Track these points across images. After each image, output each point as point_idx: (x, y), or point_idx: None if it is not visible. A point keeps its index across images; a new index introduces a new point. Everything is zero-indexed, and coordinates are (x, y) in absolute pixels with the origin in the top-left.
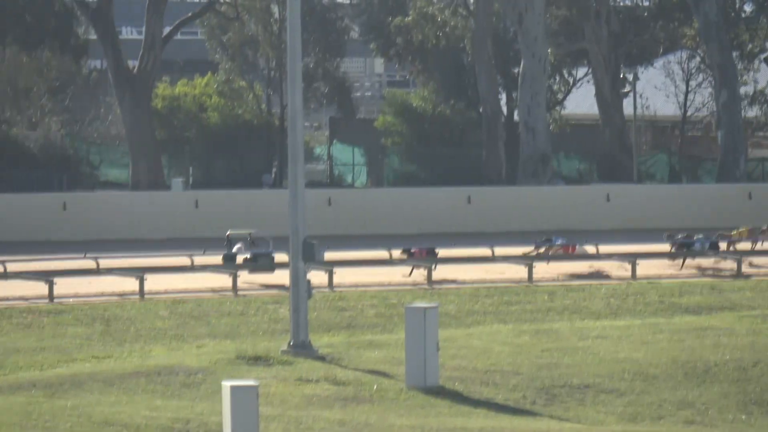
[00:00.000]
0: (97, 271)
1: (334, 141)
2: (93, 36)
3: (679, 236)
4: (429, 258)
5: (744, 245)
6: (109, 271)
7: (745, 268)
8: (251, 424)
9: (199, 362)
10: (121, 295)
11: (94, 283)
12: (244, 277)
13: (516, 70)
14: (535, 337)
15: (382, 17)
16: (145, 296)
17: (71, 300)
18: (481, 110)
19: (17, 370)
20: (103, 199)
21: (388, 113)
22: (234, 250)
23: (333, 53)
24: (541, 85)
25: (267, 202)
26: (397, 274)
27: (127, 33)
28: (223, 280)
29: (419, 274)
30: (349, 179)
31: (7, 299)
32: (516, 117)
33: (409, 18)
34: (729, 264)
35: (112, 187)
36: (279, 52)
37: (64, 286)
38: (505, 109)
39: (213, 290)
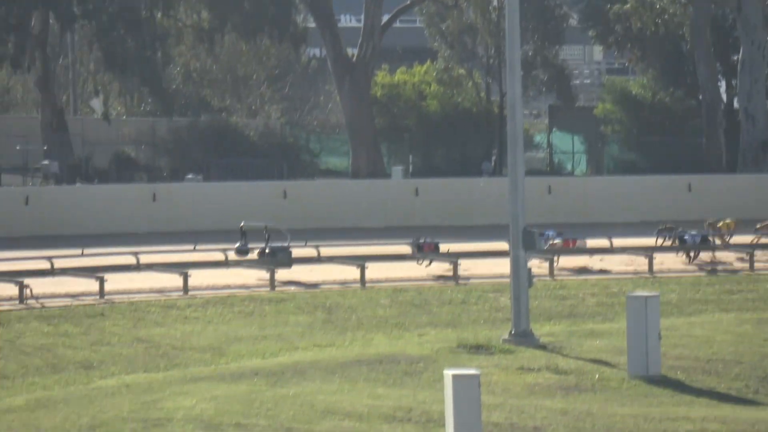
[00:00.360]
0: (318, 260)
1: (554, 129)
2: (312, 24)
3: (679, 230)
4: (436, 253)
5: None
6: (330, 259)
7: None
8: (473, 413)
9: (421, 351)
10: (342, 283)
11: (315, 271)
12: (259, 273)
13: (735, 58)
14: (758, 326)
15: (601, 4)
16: (366, 285)
17: (293, 288)
18: (700, 98)
19: (239, 358)
20: (323, 187)
21: (608, 101)
22: (240, 244)
23: (552, 41)
24: (760, 72)
25: (486, 190)
26: (618, 263)
27: (346, 21)
28: (444, 269)
29: (436, 266)
30: (568, 167)
31: (229, 287)
32: (736, 104)
33: (628, 5)
34: None
35: (332, 175)
36: (498, 39)
37: (285, 273)
38: (724, 97)
39: (434, 278)
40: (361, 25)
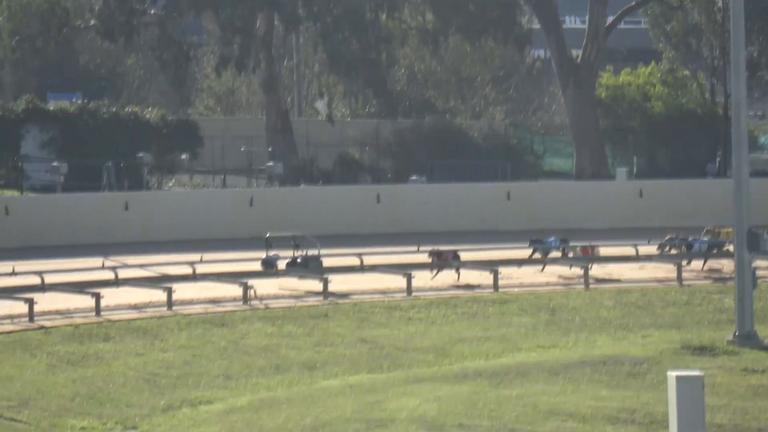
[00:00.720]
0: (542, 261)
1: None
2: (536, 25)
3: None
4: (455, 261)
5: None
6: (554, 260)
7: None
8: (697, 414)
9: (644, 352)
10: (566, 284)
11: (538, 272)
12: (287, 284)
13: None
14: None
15: None
16: (590, 286)
17: (516, 289)
18: None
19: (462, 359)
20: (547, 188)
21: None
22: (267, 255)
23: None
24: None
25: (710, 192)
26: None
27: (571, 22)
28: (668, 270)
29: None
30: None
31: (456, 288)
32: None
33: None
34: None
35: (556, 176)
36: (723, 40)
37: (509, 274)
38: None
39: (657, 280)
40: (586, 26)
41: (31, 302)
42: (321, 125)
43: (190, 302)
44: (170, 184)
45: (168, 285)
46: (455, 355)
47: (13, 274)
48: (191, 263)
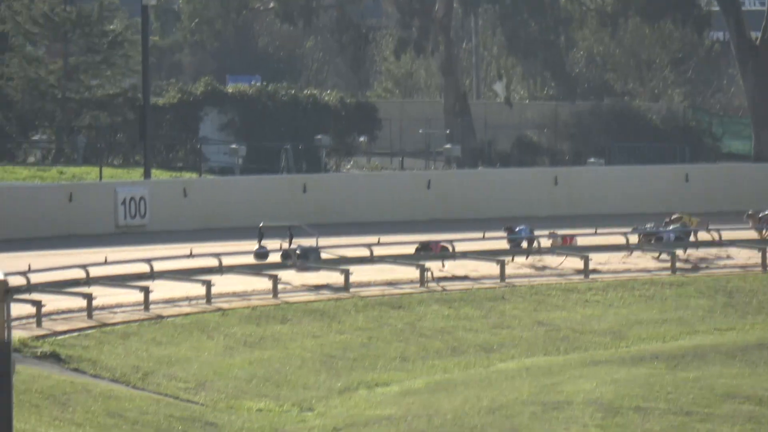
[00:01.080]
0: (720, 243)
1: None
2: (715, 7)
3: (648, 225)
4: (442, 254)
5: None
6: (732, 243)
7: None
8: None
9: None
10: (743, 266)
11: (718, 255)
12: (285, 276)
13: None
14: None
15: None
16: (767, 269)
17: (696, 274)
18: None
19: (639, 341)
20: (724, 170)
21: None
22: (258, 246)
23: None
24: None
25: None
26: None
27: (750, 4)
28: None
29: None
30: None
31: (629, 271)
32: None
33: None
34: None
35: (735, 158)
36: None
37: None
38: None
39: None
40: (765, 8)
41: (208, 284)
42: (499, 107)
43: (367, 284)
44: (348, 167)
45: (345, 267)
46: (632, 337)
47: (191, 256)
48: (368, 245)
